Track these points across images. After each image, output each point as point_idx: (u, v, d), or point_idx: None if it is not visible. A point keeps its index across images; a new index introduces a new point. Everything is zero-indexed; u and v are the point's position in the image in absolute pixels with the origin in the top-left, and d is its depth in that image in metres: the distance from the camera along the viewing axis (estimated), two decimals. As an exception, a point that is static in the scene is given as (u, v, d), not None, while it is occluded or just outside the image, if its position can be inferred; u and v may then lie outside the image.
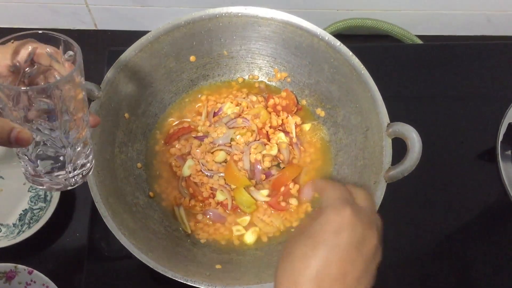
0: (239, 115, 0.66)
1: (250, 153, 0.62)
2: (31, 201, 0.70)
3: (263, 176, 0.62)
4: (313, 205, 0.63)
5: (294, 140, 0.66)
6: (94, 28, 0.89)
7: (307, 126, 0.67)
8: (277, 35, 0.65)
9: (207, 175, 0.62)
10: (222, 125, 0.64)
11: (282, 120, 0.66)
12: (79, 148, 0.45)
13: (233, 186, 0.62)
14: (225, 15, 0.64)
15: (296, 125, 0.67)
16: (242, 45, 0.68)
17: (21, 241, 0.64)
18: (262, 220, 0.61)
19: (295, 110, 0.68)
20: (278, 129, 0.66)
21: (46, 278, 0.62)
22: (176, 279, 0.50)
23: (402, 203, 0.68)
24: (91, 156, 0.48)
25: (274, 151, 0.63)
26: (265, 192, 0.62)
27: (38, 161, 0.44)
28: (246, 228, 0.62)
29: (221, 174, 0.62)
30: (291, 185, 0.63)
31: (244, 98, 0.68)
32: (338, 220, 0.41)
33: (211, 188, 0.62)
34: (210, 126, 0.66)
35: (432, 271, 0.66)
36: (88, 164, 0.47)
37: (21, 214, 0.69)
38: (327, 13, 0.84)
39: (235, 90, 0.70)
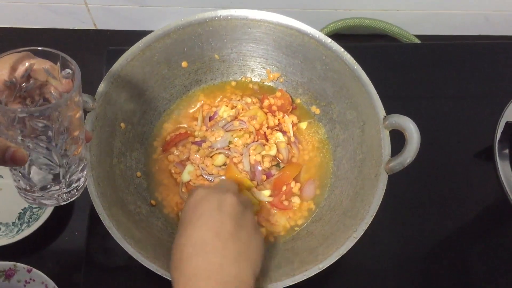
0: (235, 118, 0.66)
1: (249, 155, 0.62)
2: None
3: (264, 177, 0.63)
4: (316, 202, 0.64)
5: (292, 139, 0.66)
6: (93, 28, 0.89)
7: (303, 125, 0.68)
8: (268, 36, 0.66)
9: (208, 180, 0.62)
10: (219, 128, 0.64)
11: (279, 120, 0.67)
12: (74, 166, 0.44)
13: (235, 189, 0.62)
14: (214, 19, 0.64)
15: (293, 124, 0.67)
16: (233, 48, 0.68)
17: (20, 240, 0.65)
18: (267, 220, 0.62)
19: (290, 109, 0.68)
20: (276, 129, 0.66)
21: (45, 276, 0.62)
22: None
23: (399, 202, 0.69)
24: (85, 171, 0.47)
25: (273, 151, 0.63)
26: (267, 192, 0.62)
27: (33, 176, 0.43)
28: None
29: (222, 177, 0.62)
30: (292, 183, 0.63)
31: (238, 100, 0.68)
32: (192, 201, 0.48)
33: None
34: (207, 130, 0.65)
35: (430, 270, 0.67)
36: (82, 179, 0.47)
37: (20, 213, 0.70)
38: (325, 13, 0.85)
39: (229, 93, 0.70)
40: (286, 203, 0.62)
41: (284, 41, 0.66)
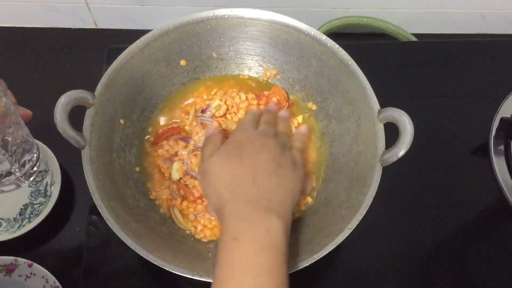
0: (224, 115, 0.67)
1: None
2: (32, 196, 0.72)
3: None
4: (312, 196, 0.64)
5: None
6: (94, 27, 0.90)
7: (299, 118, 0.68)
8: (264, 34, 0.67)
9: (195, 177, 0.63)
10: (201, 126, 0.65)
11: (275, 116, 0.67)
12: (19, 149, 0.45)
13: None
14: (212, 18, 0.65)
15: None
16: (230, 47, 0.69)
17: (22, 235, 0.66)
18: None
19: (286, 105, 0.69)
20: (273, 125, 0.67)
21: (46, 271, 0.63)
22: (183, 275, 0.51)
23: (395, 199, 0.70)
24: (35, 148, 0.47)
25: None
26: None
27: None
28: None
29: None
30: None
31: (234, 96, 0.69)
32: (234, 140, 0.55)
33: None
34: (196, 126, 0.66)
35: (429, 270, 0.67)
36: (35, 155, 0.47)
37: (21, 208, 0.71)
38: (323, 12, 0.86)
39: (226, 87, 0.71)
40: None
41: (280, 39, 0.67)
